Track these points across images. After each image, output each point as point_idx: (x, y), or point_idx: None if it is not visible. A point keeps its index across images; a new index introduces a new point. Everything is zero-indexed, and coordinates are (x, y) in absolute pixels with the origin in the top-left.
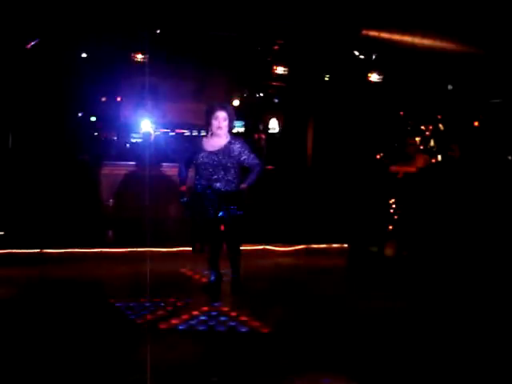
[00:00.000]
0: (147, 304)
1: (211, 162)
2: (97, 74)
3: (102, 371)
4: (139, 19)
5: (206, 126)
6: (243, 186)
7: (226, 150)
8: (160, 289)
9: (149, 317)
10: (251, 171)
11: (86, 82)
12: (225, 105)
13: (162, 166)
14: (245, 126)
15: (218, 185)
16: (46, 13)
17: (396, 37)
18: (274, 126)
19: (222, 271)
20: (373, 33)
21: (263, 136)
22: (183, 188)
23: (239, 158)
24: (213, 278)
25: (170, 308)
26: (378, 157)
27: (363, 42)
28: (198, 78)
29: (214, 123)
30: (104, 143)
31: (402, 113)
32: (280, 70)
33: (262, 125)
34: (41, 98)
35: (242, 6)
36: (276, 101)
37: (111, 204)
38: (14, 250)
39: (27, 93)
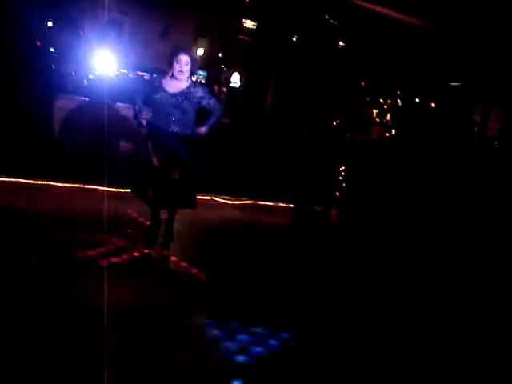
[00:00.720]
0: (89, 241)
1: (170, 102)
2: (60, 5)
3: (37, 303)
4: None
5: (168, 67)
6: (202, 129)
7: (186, 94)
8: (104, 227)
9: (89, 253)
10: (211, 115)
11: (47, 12)
12: (189, 49)
13: (118, 105)
14: (207, 76)
15: (174, 127)
16: None
17: (368, 5)
18: (235, 79)
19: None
20: None
21: (224, 89)
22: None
23: (199, 103)
24: (152, 223)
25: (111, 246)
26: (335, 123)
27: (336, 7)
28: (164, 23)
29: (176, 66)
30: (61, 76)
31: (363, 84)
32: (249, 23)
33: (223, 77)
34: None
35: None
36: (241, 55)
37: (64, 139)
38: None
39: None
